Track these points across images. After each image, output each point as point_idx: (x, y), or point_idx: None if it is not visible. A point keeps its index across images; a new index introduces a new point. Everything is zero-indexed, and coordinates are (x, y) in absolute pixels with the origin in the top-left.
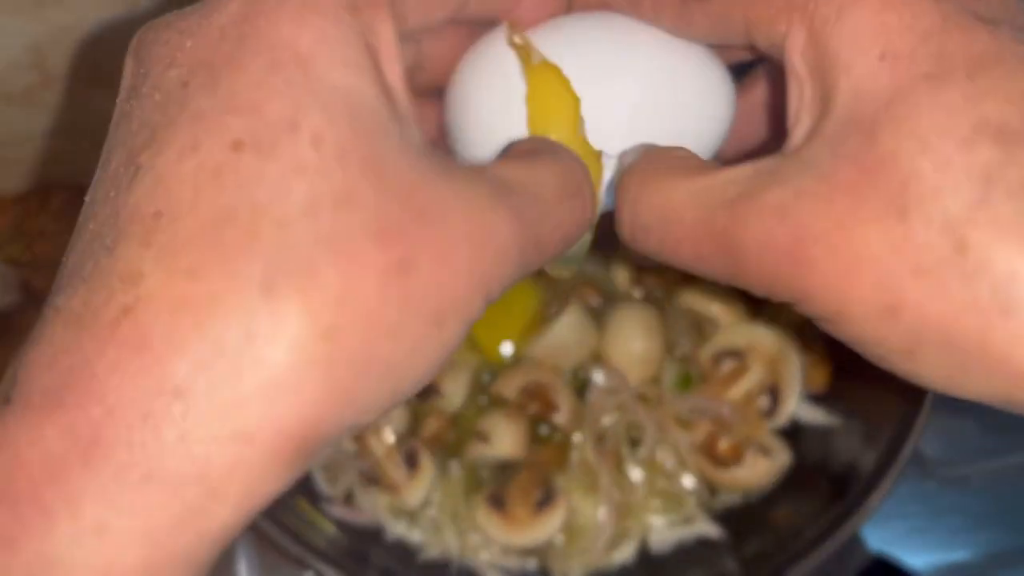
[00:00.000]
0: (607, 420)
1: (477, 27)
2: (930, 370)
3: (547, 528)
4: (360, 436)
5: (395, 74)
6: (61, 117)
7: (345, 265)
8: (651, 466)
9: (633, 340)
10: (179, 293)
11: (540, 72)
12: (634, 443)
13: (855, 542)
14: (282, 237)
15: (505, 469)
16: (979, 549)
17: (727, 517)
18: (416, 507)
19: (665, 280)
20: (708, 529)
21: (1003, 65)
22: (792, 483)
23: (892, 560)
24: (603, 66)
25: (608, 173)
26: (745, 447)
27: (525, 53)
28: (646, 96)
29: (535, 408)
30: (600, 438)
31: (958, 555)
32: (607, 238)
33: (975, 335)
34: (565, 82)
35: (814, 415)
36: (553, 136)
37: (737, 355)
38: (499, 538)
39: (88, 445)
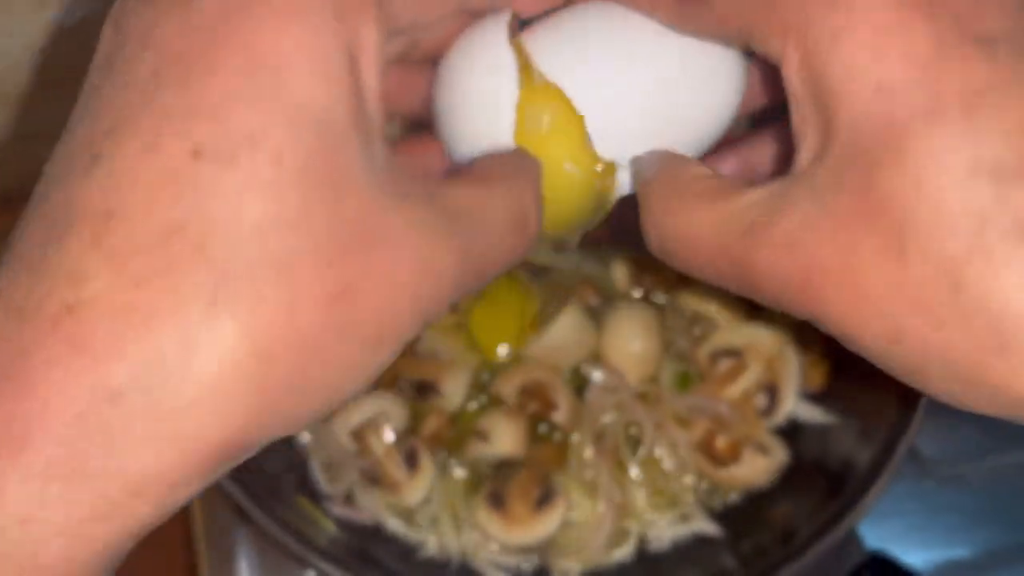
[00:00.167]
0: (606, 419)
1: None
2: (937, 387)
3: (546, 526)
4: (361, 435)
5: (372, 82)
6: (53, 120)
7: (289, 289)
8: (650, 464)
9: (632, 339)
10: (123, 299)
11: (541, 92)
12: (633, 442)
13: (852, 539)
14: (230, 255)
15: (505, 468)
16: (976, 547)
17: (725, 515)
18: (416, 506)
19: (664, 280)
20: (706, 527)
21: (999, 96)
22: (790, 481)
23: (888, 555)
24: (611, 67)
25: (624, 175)
26: (743, 445)
27: (526, 70)
28: (656, 93)
29: (534, 407)
30: (599, 437)
31: (955, 553)
32: (623, 226)
33: (975, 367)
34: (567, 103)
35: (811, 414)
36: (557, 154)
37: (735, 354)
38: (499, 536)
39: (19, 437)
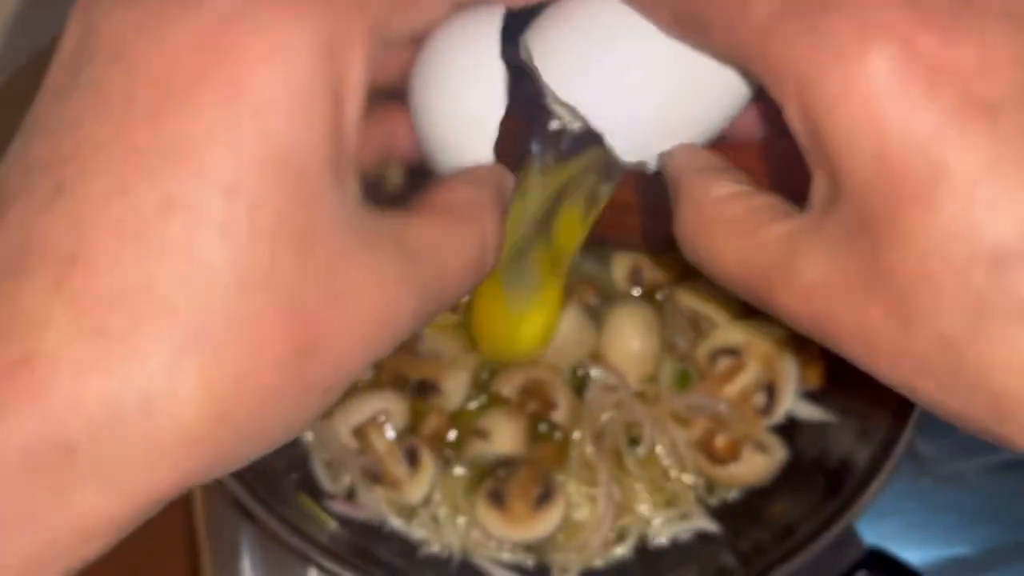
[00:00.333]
0: (605, 417)
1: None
2: (953, 421)
3: (546, 524)
4: (362, 433)
5: (353, 115)
6: None
7: (252, 347)
8: (649, 463)
9: (631, 338)
10: (82, 350)
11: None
12: (632, 440)
13: (850, 537)
14: (194, 313)
15: (505, 466)
16: (975, 545)
17: (724, 513)
18: (417, 503)
19: (663, 279)
20: (706, 524)
21: (999, 172)
22: (788, 479)
23: (885, 551)
24: (618, 68)
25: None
26: (742, 444)
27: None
28: (671, 92)
29: (534, 406)
30: (599, 435)
31: (954, 551)
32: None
33: (980, 425)
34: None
35: (810, 412)
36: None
37: (734, 353)
38: (499, 534)
39: None
